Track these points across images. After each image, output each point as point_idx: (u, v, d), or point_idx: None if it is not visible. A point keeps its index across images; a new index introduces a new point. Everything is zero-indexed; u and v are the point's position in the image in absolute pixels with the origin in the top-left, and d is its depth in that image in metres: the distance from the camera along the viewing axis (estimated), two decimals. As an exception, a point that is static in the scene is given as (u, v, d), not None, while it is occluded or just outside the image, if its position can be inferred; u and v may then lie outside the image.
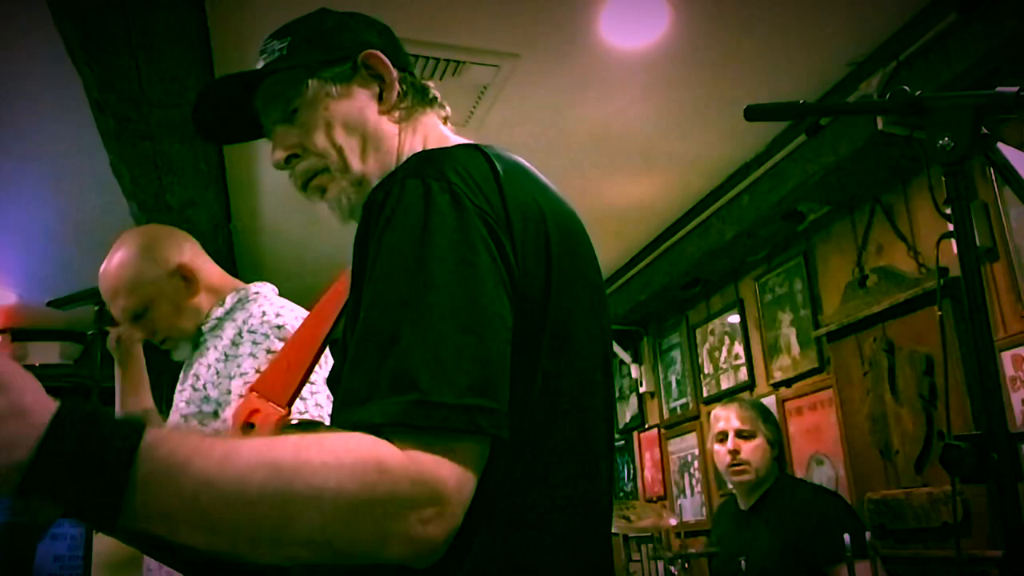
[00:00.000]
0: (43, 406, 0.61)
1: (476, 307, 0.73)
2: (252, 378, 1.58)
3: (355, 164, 0.98)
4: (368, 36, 1.04)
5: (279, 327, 1.65)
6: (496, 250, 0.76)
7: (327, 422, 1.29)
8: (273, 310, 1.70)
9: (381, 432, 0.67)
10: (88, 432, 0.61)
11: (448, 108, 1.09)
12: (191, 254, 1.85)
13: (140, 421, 0.64)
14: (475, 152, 0.84)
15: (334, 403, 0.73)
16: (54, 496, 0.60)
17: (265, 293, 1.83)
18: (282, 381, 1.01)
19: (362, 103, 1.00)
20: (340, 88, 0.99)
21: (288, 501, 0.64)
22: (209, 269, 1.87)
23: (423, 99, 1.04)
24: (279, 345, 1.62)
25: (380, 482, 0.65)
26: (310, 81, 1.00)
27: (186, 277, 1.78)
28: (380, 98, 1.01)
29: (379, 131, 1.00)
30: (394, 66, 1.02)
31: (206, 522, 0.63)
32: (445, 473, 0.67)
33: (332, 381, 0.89)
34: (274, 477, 0.63)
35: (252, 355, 1.63)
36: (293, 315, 1.70)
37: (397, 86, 1.01)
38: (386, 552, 0.67)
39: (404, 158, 0.98)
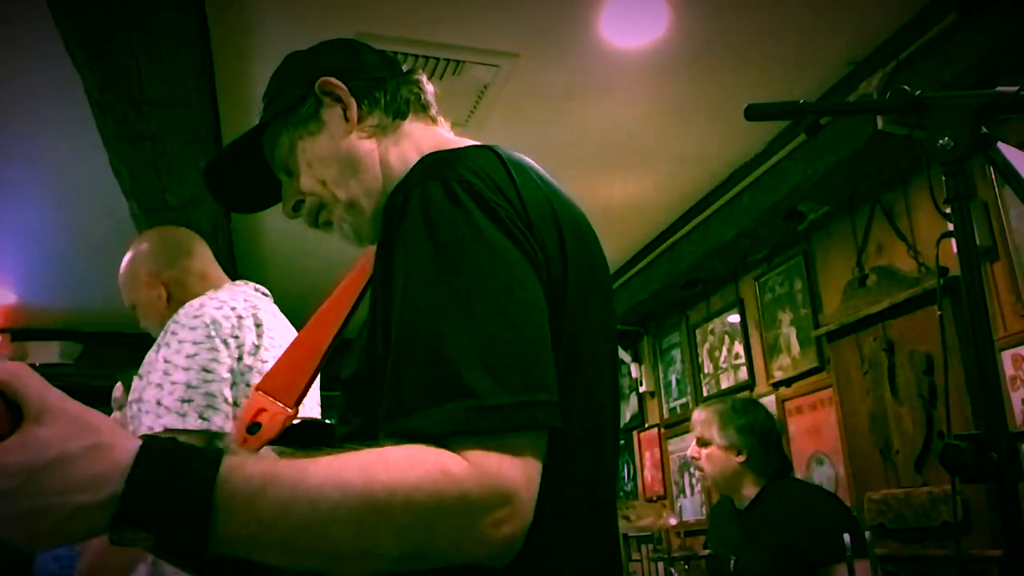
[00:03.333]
0: (126, 442, 0.64)
1: (515, 302, 0.73)
2: (143, 371, 1.60)
3: (340, 193, 0.99)
4: (324, 63, 1.04)
5: (196, 316, 1.63)
6: (526, 244, 0.77)
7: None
8: (199, 302, 1.68)
9: (440, 440, 0.68)
10: (171, 462, 0.64)
11: (434, 108, 1.06)
12: (178, 268, 1.86)
13: (218, 449, 0.66)
14: (488, 152, 0.85)
15: (383, 413, 0.73)
16: (146, 526, 0.62)
17: (227, 289, 1.78)
18: (289, 380, 1.00)
19: (331, 131, 1.00)
20: (311, 126, 1.01)
21: (360, 520, 0.65)
22: (195, 282, 1.85)
23: (396, 107, 1.02)
24: (187, 334, 1.60)
25: (448, 491, 0.66)
26: (283, 132, 1.02)
27: (166, 290, 1.85)
28: (347, 119, 1.01)
29: (352, 153, 0.99)
30: (356, 80, 1.01)
31: (287, 545, 0.65)
32: (511, 472, 0.68)
33: (349, 385, 0.88)
34: (344, 499, 0.65)
35: (157, 346, 1.63)
36: (221, 311, 1.65)
37: (354, 103, 1.00)
38: (464, 555, 0.68)
39: (393, 170, 0.98)
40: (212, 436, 1.54)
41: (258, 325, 1.69)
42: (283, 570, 0.68)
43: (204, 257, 1.93)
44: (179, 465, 0.63)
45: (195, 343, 1.60)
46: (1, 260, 4.17)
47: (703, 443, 2.59)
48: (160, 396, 1.55)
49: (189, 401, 1.54)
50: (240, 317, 1.67)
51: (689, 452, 2.62)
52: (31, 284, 4.48)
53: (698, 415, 2.65)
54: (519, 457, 0.69)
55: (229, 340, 1.63)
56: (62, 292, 4.54)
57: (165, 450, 0.64)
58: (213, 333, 1.61)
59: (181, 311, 1.67)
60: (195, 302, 1.69)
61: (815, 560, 2.30)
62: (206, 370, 1.57)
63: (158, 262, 1.88)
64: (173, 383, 1.56)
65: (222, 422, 1.54)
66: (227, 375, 1.59)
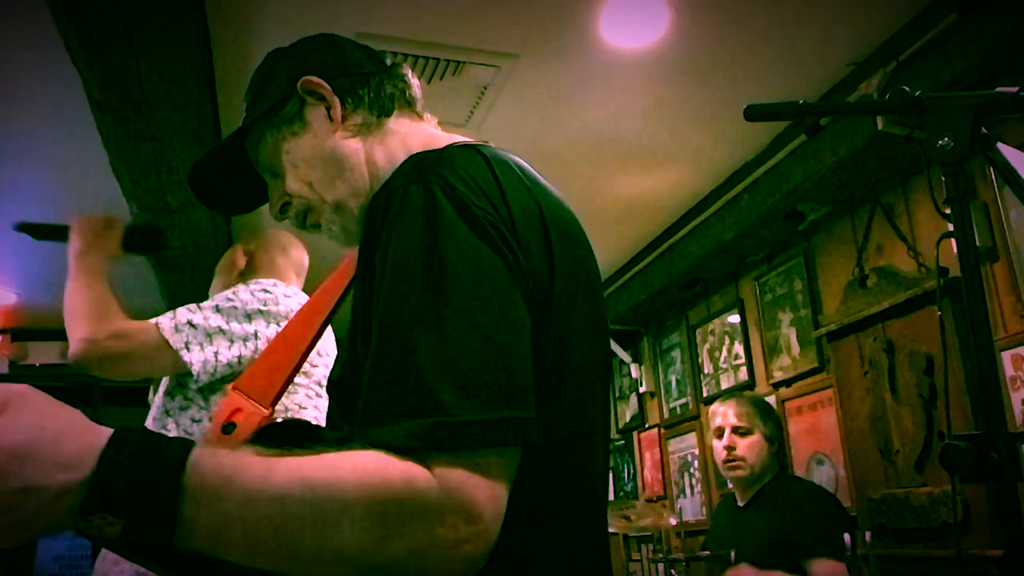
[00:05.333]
0: (99, 428, 0.64)
1: (492, 314, 0.72)
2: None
3: (327, 194, 0.97)
4: (306, 60, 1.02)
5: (264, 290, 1.81)
6: (507, 252, 0.76)
7: (311, 420, 1.29)
8: (274, 282, 1.88)
9: (407, 454, 0.67)
10: (143, 446, 0.64)
11: (420, 104, 1.05)
12: (261, 250, 2.08)
13: (188, 440, 0.66)
14: (473, 153, 0.83)
15: (356, 421, 0.72)
16: (115, 509, 0.61)
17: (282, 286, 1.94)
18: (266, 380, 1.00)
19: (316, 131, 0.98)
20: (295, 127, 0.99)
21: (322, 519, 0.65)
22: (264, 267, 2.05)
23: (381, 104, 1.00)
24: (245, 296, 1.77)
25: (411, 501, 0.65)
26: (267, 133, 1.00)
27: (245, 258, 2.08)
28: (331, 118, 0.99)
29: (337, 153, 0.97)
30: (339, 78, 1.00)
31: (249, 539, 0.65)
32: (475, 490, 0.67)
33: (334, 387, 0.88)
34: (308, 497, 0.65)
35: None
36: (288, 299, 1.84)
37: (337, 102, 0.98)
38: (425, 570, 0.67)
39: (380, 169, 0.96)
40: (180, 363, 1.67)
41: None
42: (241, 573, 0.67)
43: (293, 266, 2.11)
44: (151, 449, 0.64)
45: (243, 303, 1.77)
46: (1, 260, 4.17)
47: (744, 432, 2.59)
48: (183, 310, 1.73)
49: (194, 328, 1.70)
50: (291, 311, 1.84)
51: (725, 441, 2.60)
52: (31, 284, 4.48)
53: (734, 407, 2.66)
54: (485, 475, 0.68)
55: (271, 321, 1.78)
56: (62, 292, 4.54)
57: (138, 436, 0.64)
58: (262, 309, 1.78)
59: (256, 281, 1.87)
60: (271, 280, 1.88)
61: (799, 552, 2.33)
62: (228, 323, 1.73)
63: (258, 241, 2.11)
64: (199, 309, 1.73)
65: (196, 360, 1.68)
66: (238, 340, 1.73)
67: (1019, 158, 1.06)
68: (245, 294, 1.78)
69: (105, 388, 4.72)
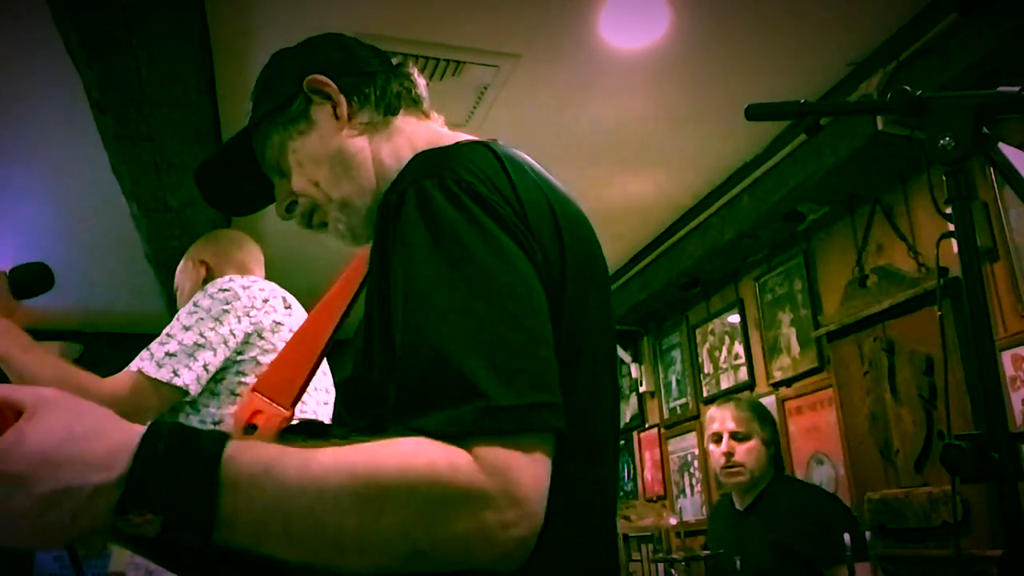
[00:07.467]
0: (131, 427, 0.65)
1: (519, 301, 0.72)
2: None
3: (333, 193, 0.97)
4: (312, 59, 1.02)
5: (221, 289, 1.80)
6: (525, 243, 0.76)
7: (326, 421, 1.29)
8: (230, 277, 1.87)
9: (450, 442, 0.66)
10: (177, 440, 0.63)
11: (427, 103, 1.05)
12: (221, 253, 2.07)
13: (222, 432, 0.65)
14: (484, 149, 0.83)
15: (388, 413, 0.72)
16: (153, 505, 0.61)
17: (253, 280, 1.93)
18: (285, 381, 1.00)
19: (322, 130, 0.98)
20: (301, 126, 0.99)
21: (364, 508, 0.64)
22: (231, 267, 2.04)
23: (387, 102, 1.00)
24: (206, 301, 1.77)
25: (455, 484, 0.65)
26: (273, 132, 1.01)
27: (205, 268, 2.05)
28: (337, 117, 0.99)
29: (343, 152, 0.97)
30: (345, 76, 1.00)
31: (291, 533, 0.64)
32: (519, 474, 0.66)
33: (345, 387, 0.87)
34: (350, 483, 0.64)
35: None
36: (247, 291, 1.83)
37: (343, 100, 0.98)
38: (472, 557, 0.66)
39: (386, 167, 0.96)
40: (176, 391, 1.68)
41: (288, 307, 1.88)
42: (285, 571, 0.66)
43: (251, 256, 2.11)
44: (186, 443, 0.63)
45: (207, 310, 1.76)
46: (1, 260, 4.17)
47: (742, 437, 2.58)
48: (155, 345, 1.72)
49: (173, 356, 1.70)
50: (266, 300, 1.83)
51: (724, 447, 2.59)
52: (31, 284, 4.47)
53: (731, 411, 2.64)
54: (527, 459, 0.67)
55: (241, 315, 1.78)
56: (62, 292, 4.54)
57: (172, 430, 0.64)
58: (227, 308, 1.77)
59: (212, 283, 1.85)
60: (227, 277, 1.87)
61: (816, 562, 2.31)
62: (202, 335, 1.73)
63: (207, 246, 2.10)
64: (170, 336, 1.73)
65: (190, 380, 1.69)
66: (219, 345, 1.74)
67: (1020, 158, 1.05)
68: (205, 301, 1.78)
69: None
